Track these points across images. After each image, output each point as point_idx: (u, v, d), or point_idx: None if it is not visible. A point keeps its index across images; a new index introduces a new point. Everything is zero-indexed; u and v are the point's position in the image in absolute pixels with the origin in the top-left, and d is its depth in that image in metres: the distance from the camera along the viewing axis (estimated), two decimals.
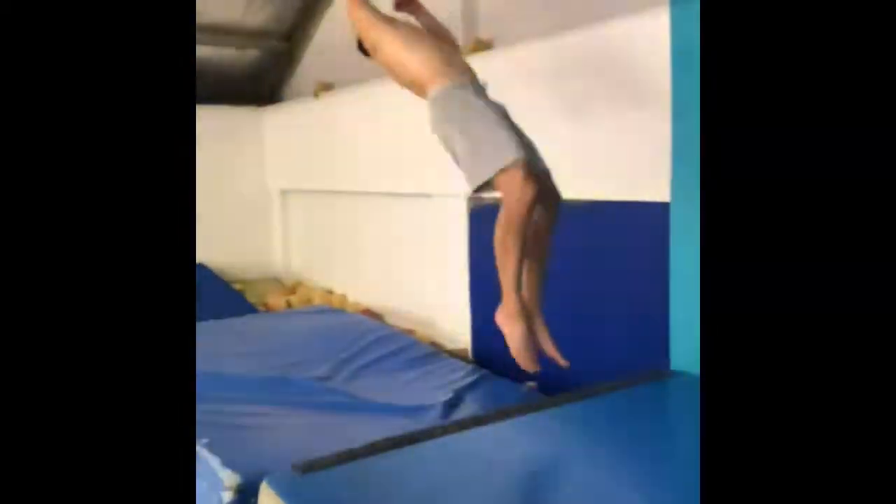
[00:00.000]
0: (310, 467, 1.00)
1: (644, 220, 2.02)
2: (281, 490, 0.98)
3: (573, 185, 2.33)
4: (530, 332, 1.40)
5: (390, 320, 3.29)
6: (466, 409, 2.10)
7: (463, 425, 1.17)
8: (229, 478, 1.66)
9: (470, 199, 2.85)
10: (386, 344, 2.65)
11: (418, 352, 2.62)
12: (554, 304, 2.55)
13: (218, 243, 4.27)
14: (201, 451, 1.80)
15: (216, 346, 2.69)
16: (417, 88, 1.53)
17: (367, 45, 1.64)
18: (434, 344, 2.91)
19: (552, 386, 2.36)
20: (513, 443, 1.15)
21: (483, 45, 2.78)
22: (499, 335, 2.81)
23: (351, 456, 1.06)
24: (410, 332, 3.05)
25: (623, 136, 2.12)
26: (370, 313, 3.42)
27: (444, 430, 1.14)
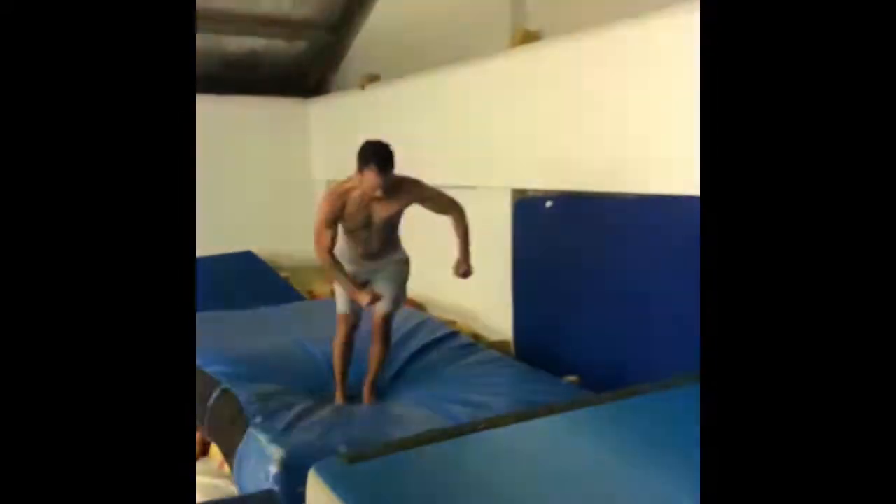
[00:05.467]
0: (357, 457, 1.04)
1: (695, 214, 1.99)
2: (328, 478, 1.01)
3: (638, 178, 2.30)
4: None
5: (432, 311, 3.32)
6: (507, 402, 2.11)
7: (507, 420, 1.19)
8: (276, 452, 1.74)
9: (514, 192, 2.85)
10: (427, 334, 2.68)
11: (460, 343, 2.64)
12: (600, 300, 2.52)
13: (265, 232, 4.36)
14: (252, 429, 1.88)
15: (265, 331, 2.77)
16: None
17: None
18: (475, 336, 2.93)
19: (595, 381, 2.35)
20: (555, 439, 1.16)
21: (531, 37, 2.76)
22: (541, 328, 2.78)
23: (397, 447, 1.09)
24: (452, 323, 3.07)
25: (669, 129, 2.08)
26: (412, 303, 3.45)
27: (487, 424, 1.16)
